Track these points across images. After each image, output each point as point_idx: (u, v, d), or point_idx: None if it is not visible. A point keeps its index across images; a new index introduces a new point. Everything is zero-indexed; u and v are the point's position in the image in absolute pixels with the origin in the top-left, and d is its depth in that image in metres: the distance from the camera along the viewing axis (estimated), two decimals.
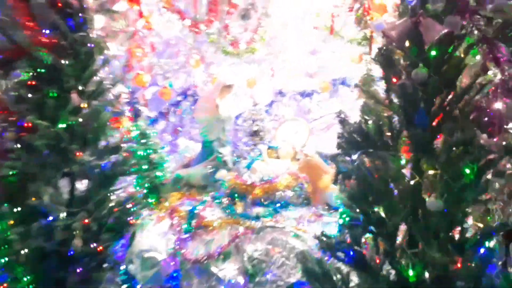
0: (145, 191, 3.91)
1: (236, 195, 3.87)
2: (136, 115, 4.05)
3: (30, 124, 2.72)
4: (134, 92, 4.24)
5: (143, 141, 3.93)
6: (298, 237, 3.28)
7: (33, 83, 2.83)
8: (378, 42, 3.45)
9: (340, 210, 3.45)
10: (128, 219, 3.04)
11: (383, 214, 2.24)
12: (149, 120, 4.81)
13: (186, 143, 5.63)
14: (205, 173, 4.28)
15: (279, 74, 5.65)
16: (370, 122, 2.39)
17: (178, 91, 5.20)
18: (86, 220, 2.74)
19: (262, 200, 3.80)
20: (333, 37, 4.24)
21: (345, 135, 2.43)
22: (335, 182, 2.59)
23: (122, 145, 3.12)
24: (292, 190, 3.84)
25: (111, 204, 2.96)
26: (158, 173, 3.97)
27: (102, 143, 3.01)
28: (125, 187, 3.42)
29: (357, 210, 2.32)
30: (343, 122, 2.52)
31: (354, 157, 2.40)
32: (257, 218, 3.60)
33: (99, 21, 3.28)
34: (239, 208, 3.78)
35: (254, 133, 4.96)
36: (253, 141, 4.94)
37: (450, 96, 2.19)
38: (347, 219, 2.33)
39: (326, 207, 3.73)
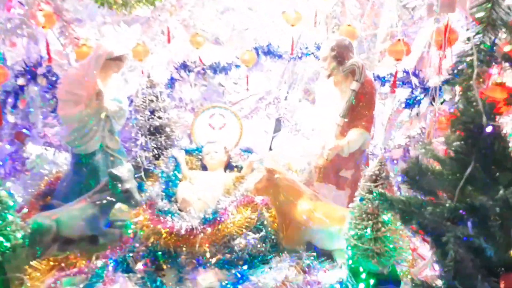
0: None
1: (159, 253, 2.18)
2: None
3: None
4: None
5: None
6: None
7: None
8: None
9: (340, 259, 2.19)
10: None
11: None
12: None
13: (39, 150, 3.58)
14: (90, 214, 2.44)
15: (177, 40, 3.97)
16: None
17: (16, 70, 3.07)
18: None
19: (208, 256, 2.20)
20: None
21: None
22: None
23: None
24: (254, 230, 2.32)
25: None
26: None
27: None
28: None
29: None
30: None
31: None
32: None
33: None
34: (168, 278, 2.12)
35: (155, 131, 3.21)
36: (156, 143, 3.20)
37: None
38: None
39: (312, 252, 2.31)
